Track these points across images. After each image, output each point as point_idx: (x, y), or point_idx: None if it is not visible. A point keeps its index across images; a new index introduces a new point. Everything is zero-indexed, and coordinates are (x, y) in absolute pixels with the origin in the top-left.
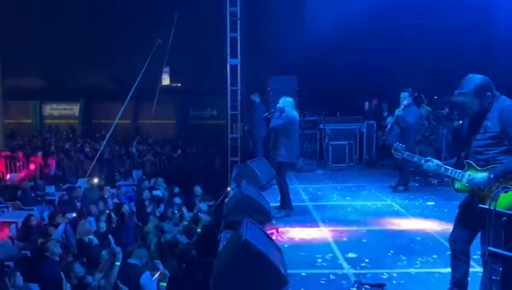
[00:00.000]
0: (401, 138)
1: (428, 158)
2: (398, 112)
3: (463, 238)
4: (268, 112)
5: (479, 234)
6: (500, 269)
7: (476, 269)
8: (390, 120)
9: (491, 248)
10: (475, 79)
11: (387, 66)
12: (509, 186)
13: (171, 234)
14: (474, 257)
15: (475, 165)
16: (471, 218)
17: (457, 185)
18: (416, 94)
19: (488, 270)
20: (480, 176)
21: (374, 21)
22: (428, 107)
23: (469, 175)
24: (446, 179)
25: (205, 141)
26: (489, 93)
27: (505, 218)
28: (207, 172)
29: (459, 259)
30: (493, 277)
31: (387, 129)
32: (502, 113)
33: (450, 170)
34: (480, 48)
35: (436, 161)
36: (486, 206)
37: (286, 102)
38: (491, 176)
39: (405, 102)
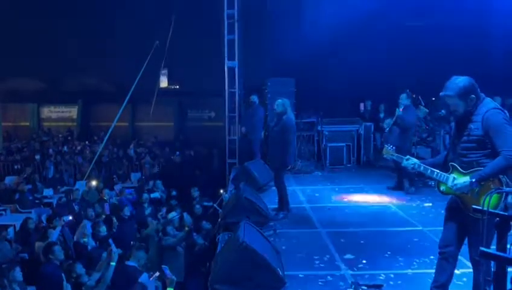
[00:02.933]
0: (400, 138)
1: (407, 157)
2: (399, 112)
3: (453, 241)
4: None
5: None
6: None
7: (471, 269)
8: (389, 122)
9: (483, 248)
10: (459, 82)
11: (385, 67)
12: (501, 188)
13: (173, 239)
14: None
15: (459, 168)
16: (459, 220)
17: (442, 188)
18: (414, 96)
19: (483, 270)
20: (463, 180)
21: (371, 23)
22: (425, 108)
23: (454, 178)
24: None
25: (203, 143)
26: (473, 96)
27: (497, 219)
28: (205, 174)
29: (448, 262)
30: (487, 278)
31: (386, 131)
32: (485, 117)
33: (435, 172)
34: (477, 50)
35: (414, 160)
36: (480, 207)
37: (287, 103)
38: (473, 180)
39: (404, 103)
